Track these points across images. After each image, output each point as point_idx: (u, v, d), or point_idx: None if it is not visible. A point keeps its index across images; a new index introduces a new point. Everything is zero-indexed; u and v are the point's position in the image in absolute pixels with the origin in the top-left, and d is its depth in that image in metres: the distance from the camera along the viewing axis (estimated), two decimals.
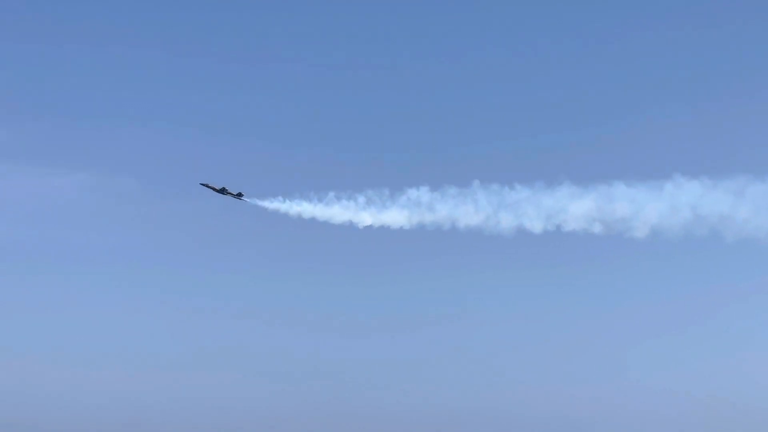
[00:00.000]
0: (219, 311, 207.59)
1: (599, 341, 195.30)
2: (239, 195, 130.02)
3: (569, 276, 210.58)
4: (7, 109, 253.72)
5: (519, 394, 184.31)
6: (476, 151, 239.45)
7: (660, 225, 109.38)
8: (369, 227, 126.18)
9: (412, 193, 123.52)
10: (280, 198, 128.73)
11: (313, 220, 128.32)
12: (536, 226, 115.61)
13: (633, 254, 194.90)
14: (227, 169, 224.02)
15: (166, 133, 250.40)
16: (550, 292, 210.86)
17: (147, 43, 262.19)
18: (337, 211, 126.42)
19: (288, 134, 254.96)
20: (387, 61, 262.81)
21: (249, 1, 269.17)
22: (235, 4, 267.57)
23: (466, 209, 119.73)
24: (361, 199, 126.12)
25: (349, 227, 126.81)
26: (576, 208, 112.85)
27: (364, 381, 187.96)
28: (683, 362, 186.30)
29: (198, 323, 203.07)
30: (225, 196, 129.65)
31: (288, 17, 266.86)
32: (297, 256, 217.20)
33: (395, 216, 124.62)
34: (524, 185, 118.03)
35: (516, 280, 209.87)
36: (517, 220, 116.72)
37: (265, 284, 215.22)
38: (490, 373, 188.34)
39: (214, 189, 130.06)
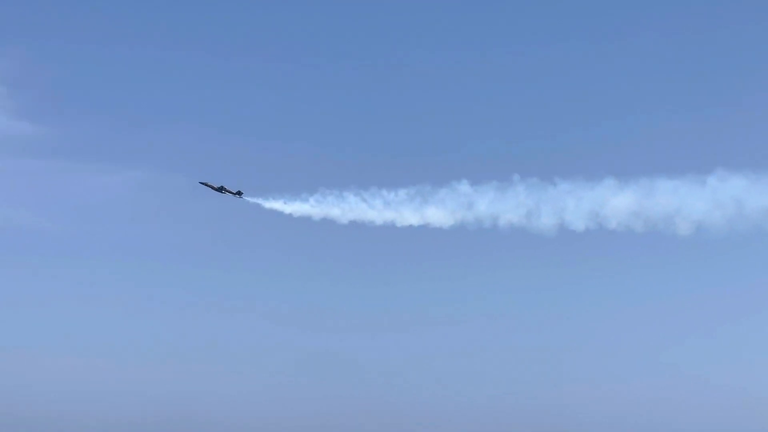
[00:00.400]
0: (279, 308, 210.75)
1: (641, 339, 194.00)
2: (239, 193, 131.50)
3: (611, 273, 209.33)
4: (62, 108, 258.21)
5: (563, 391, 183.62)
6: (513, 148, 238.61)
7: (703, 220, 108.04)
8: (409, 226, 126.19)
9: (453, 189, 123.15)
10: (314, 197, 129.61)
11: (354, 222, 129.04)
12: (578, 221, 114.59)
13: (676, 249, 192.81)
14: (273, 167, 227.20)
15: (217, 133, 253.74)
16: (592, 290, 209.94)
17: (198, 46, 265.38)
18: (378, 211, 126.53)
19: (331, 135, 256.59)
20: (420, 57, 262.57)
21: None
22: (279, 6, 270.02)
23: (507, 205, 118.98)
24: (402, 196, 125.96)
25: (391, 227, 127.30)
26: (618, 202, 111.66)
27: (413, 377, 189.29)
28: (731, 360, 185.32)
29: (255, 321, 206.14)
30: (224, 194, 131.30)
31: (316, 14, 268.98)
32: (347, 257, 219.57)
33: (436, 213, 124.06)
34: (565, 180, 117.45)
35: (557, 278, 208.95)
36: (558, 215, 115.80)
37: (305, 285, 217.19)
38: (531, 371, 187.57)
39: (212, 188, 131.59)
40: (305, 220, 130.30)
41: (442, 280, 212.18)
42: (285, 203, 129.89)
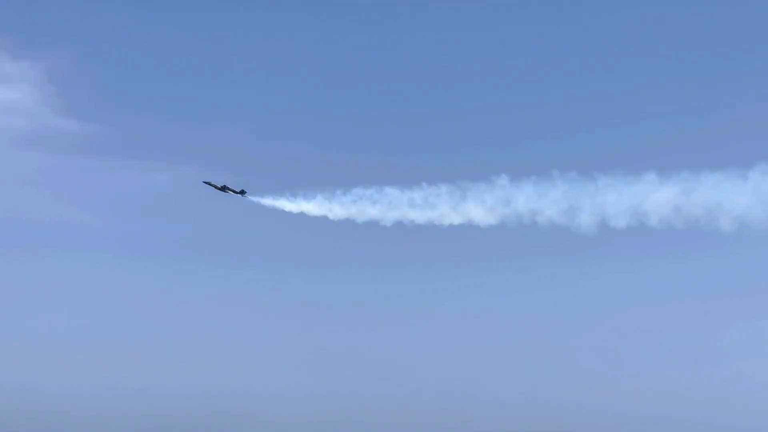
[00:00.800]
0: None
1: (682, 335, 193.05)
2: (242, 192, 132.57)
3: (652, 269, 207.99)
4: (110, 107, 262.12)
5: (606, 388, 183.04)
6: (554, 143, 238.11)
7: (745, 216, 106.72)
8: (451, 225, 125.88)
9: (492, 184, 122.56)
10: (356, 193, 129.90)
11: (398, 223, 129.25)
12: (618, 217, 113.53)
13: (718, 245, 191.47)
14: (313, 165, 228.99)
15: (262, 132, 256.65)
16: (632, 286, 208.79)
17: (243, 51, 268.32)
18: (424, 209, 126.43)
19: (369, 133, 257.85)
20: (463, 53, 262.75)
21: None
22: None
23: (547, 201, 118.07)
24: (442, 192, 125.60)
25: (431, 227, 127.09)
26: (659, 197, 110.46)
27: (485, 369, 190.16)
28: None
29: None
30: (227, 193, 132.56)
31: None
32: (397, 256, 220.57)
33: (476, 210, 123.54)
34: (605, 175, 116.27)
35: (598, 276, 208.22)
36: (598, 210, 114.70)
37: (341, 284, 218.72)
38: (573, 368, 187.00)
39: (215, 187, 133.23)
40: (348, 222, 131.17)
41: (483, 276, 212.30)
42: (320, 204, 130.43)
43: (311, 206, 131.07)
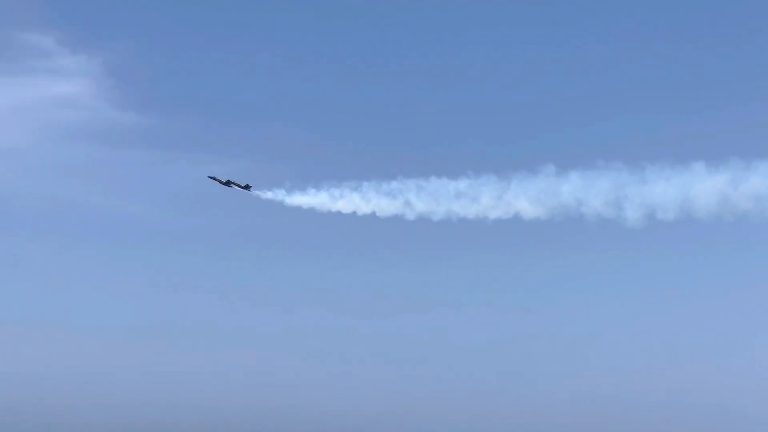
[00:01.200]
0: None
1: (738, 329, 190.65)
2: (247, 187, 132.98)
3: (700, 261, 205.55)
4: (168, 101, 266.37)
5: (656, 377, 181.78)
6: (599, 130, 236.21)
7: None
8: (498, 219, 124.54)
9: (537, 173, 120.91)
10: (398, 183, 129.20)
11: (446, 219, 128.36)
12: (666, 207, 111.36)
13: None
14: (362, 158, 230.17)
15: (312, 127, 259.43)
16: (683, 279, 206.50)
17: (297, 48, 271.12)
18: (469, 201, 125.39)
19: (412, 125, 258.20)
20: (506, 43, 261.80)
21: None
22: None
23: (593, 190, 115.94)
24: (490, 181, 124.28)
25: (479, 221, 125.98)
26: (707, 187, 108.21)
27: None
28: None
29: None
30: (232, 188, 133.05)
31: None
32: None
33: (522, 203, 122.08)
34: (653, 164, 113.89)
35: (645, 269, 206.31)
36: (644, 200, 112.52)
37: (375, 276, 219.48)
38: (623, 363, 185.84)
39: (220, 181, 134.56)
40: (397, 219, 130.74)
41: (534, 269, 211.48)
42: (360, 198, 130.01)
43: (355, 200, 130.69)
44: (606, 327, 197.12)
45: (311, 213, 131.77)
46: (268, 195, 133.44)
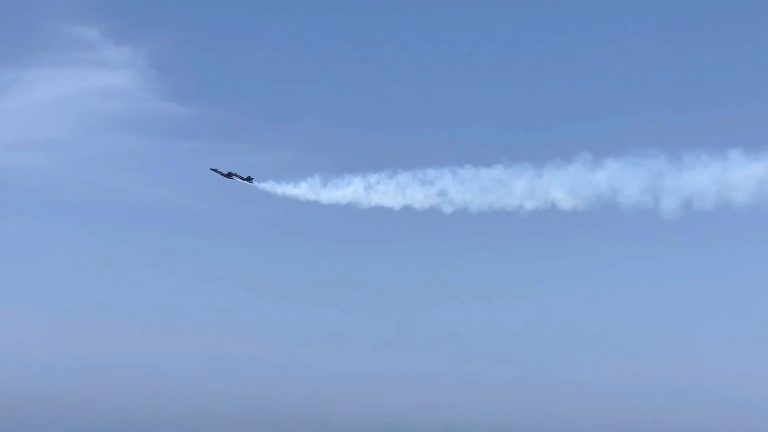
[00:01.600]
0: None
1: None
2: (249, 179, 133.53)
3: (737, 251, 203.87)
4: (211, 92, 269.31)
5: (697, 366, 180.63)
6: (636, 118, 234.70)
7: None
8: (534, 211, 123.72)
9: (572, 161, 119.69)
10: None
11: (462, 212, 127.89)
12: (703, 195, 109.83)
13: None
14: (399, 150, 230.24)
15: (346, 118, 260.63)
16: (721, 268, 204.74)
17: (335, 42, 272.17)
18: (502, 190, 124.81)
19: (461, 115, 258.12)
20: (543, 33, 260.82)
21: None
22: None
23: (629, 179, 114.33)
24: (527, 169, 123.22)
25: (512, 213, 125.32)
26: (745, 174, 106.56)
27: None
28: None
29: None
30: (234, 179, 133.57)
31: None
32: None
33: (557, 193, 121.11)
34: (690, 151, 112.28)
35: (682, 258, 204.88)
36: (683, 188, 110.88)
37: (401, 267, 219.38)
38: (662, 351, 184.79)
39: (221, 173, 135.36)
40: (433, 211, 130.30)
41: (570, 260, 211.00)
42: (395, 192, 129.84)
43: (390, 190, 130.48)
44: (643, 317, 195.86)
45: (348, 208, 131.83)
46: (276, 189, 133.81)
